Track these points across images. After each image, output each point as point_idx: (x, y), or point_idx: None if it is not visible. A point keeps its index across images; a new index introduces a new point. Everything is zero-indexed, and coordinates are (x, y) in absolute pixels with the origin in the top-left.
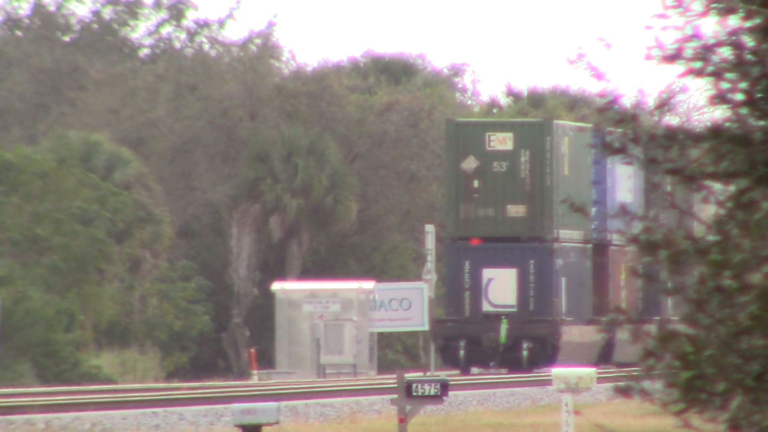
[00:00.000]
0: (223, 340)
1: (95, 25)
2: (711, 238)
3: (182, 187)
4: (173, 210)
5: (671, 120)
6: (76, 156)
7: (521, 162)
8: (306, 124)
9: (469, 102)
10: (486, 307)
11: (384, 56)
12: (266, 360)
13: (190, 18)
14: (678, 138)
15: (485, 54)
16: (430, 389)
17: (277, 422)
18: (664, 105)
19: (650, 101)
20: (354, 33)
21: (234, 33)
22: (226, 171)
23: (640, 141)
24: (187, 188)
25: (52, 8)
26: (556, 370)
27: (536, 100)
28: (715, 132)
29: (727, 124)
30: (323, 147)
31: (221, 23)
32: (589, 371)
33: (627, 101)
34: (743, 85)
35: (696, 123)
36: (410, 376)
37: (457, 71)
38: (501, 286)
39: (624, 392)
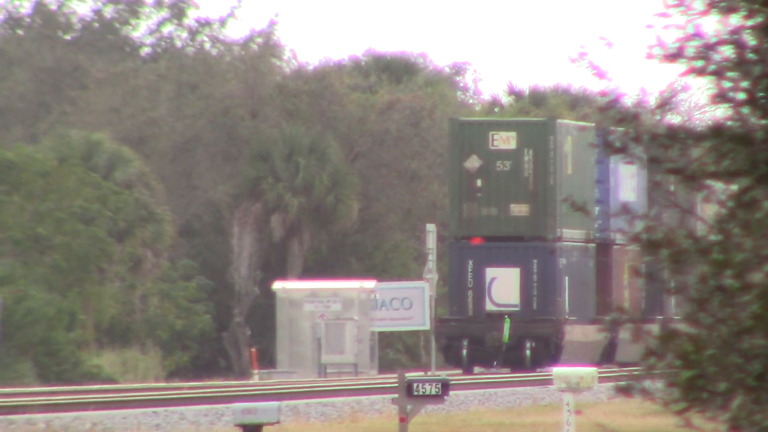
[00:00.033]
0: (224, 339)
1: (96, 24)
2: (712, 237)
3: (183, 186)
4: (174, 209)
5: (673, 119)
6: (77, 155)
7: (524, 161)
8: (307, 123)
9: (471, 101)
10: (489, 307)
11: (385, 55)
12: (267, 359)
13: (191, 17)
14: (679, 137)
15: (487, 53)
16: (431, 389)
17: (278, 422)
18: (666, 104)
19: (652, 100)
20: (355, 32)
21: (235, 32)
22: (227, 170)
23: (642, 140)
24: (188, 187)
25: (53, 7)
26: (557, 370)
27: (538, 99)
28: (717, 131)
29: (729, 123)
30: (324, 146)
31: (222, 22)
32: (590, 371)
33: (628, 100)
34: (745, 84)
35: (697, 122)
36: (411, 375)
37: (458, 70)
38: (504, 286)
39: (625, 391)
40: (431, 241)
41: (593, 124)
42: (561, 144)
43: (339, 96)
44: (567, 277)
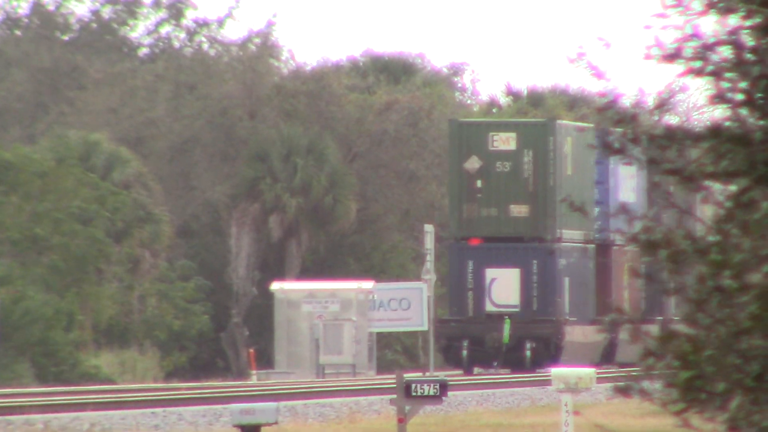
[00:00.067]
0: (222, 340)
1: (94, 25)
2: (711, 238)
3: (181, 187)
4: (172, 209)
5: (671, 119)
6: (75, 155)
7: (524, 162)
8: (305, 124)
9: (469, 101)
10: (489, 307)
11: (383, 55)
12: (265, 360)
13: (189, 17)
14: (678, 138)
15: (485, 53)
16: (430, 389)
17: (276, 422)
18: (664, 104)
19: (650, 101)
20: (353, 32)
21: (233, 32)
22: (225, 170)
23: (640, 141)
24: (186, 188)
25: (51, 7)
26: (556, 370)
27: (536, 99)
28: (715, 131)
29: (727, 123)
30: (322, 146)
31: (220, 23)
32: (589, 371)
33: (627, 101)
34: (743, 84)
35: (696, 122)
36: (409, 376)
37: (456, 70)
38: (504, 286)
39: (623, 392)
40: (429, 242)
41: (592, 125)
42: (561, 145)
43: (337, 96)
44: (567, 278)
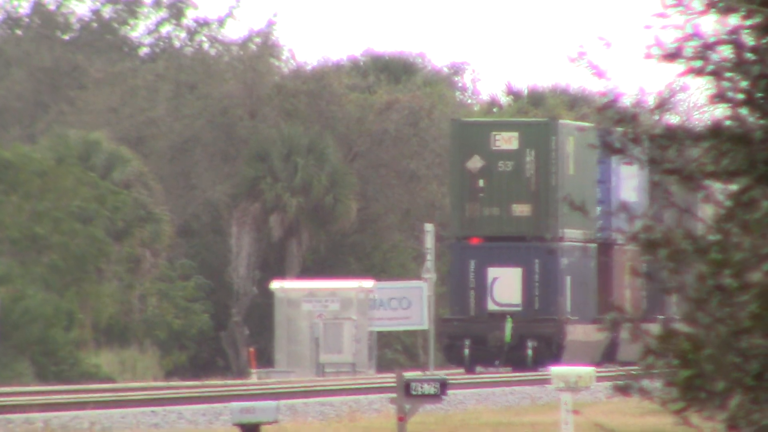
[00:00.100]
0: (223, 339)
1: (95, 24)
2: (711, 237)
3: (182, 186)
4: (173, 209)
5: (671, 119)
6: (75, 155)
7: (526, 161)
8: (306, 123)
9: (469, 101)
10: (491, 306)
11: (384, 55)
12: (265, 359)
13: (189, 17)
14: (678, 137)
15: (485, 53)
16: (429, 388)
17: (276, 421)
18: (664, 104)
19: (650, 100)
20: (354, 32)
21: (234, 32)
22: (225, 170)
23: (641, 141)
24: (186, 187)
25: (51, 7)
26: (556, 369)
27: (536, 99)
28: (715, 131)
29: (727, 123)
30: (323, 146)
31: (221, 22)
32: (588, 370)
33: (627, 100)
34: (743, 83)
35: (696, 122)
36: (409, 375)
37: (457, 70)
38: (506, 286)
39: (623, 391)
40: (430, 241)
41: (594, 125)
42: (563, 144)
43: (337, 96)
44: (569, 277)
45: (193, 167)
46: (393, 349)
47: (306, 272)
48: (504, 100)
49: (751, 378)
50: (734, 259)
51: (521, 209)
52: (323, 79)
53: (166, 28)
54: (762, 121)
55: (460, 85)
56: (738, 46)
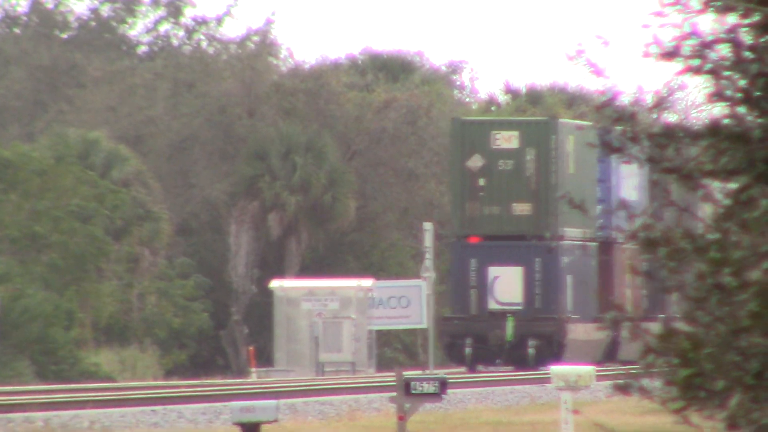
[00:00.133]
0: (222, 337)
1: (93, 23)
2: (710, 235)
3: (180, 185)
4: (171, 207)
5: (670, 117)
6: (74, 153)
7: (527, 160)
8: (304, 122)
9: (468, 99)
10: (492, 305)
11: (382, 53)
12: (265, 358)
13: (188, 15)
14: (676, 135)
15: (483, 51)
16: (429, 387)
17: (275, 420)
18: (663, 102)
19: (649, 98)
20: (352, 30)
21: (232, 30)
22: (224, 168)
23: (639, 139)
24: (185, 185)
25: (50, 5)
26: (555, 368)
27: (535, 97)
28: (714, 129)
29: (726, 121)
30: (321, 144)
31: (219, 20)
32: (588, 369)
33: (626, 98)
34: (741, 82)
35: (694, 120)
36: (409, 373)
37: (455, 68)
38: (507, 284)
39: (623, 390)
40: (428, 240)
41: (592, 123)
42: (563, 143)
43: (336, 94)
44: (569, 276)
45: (191, 166)
46: (392, 348)
47: (305, 271)
48: (502, 98)
49: (751, 377)
50: (733, 258)
51: (521, 208)
52: (321, 78)
53: (164, 27)
54: (760, 120)
55: (458, 83)
56: (736, 44)
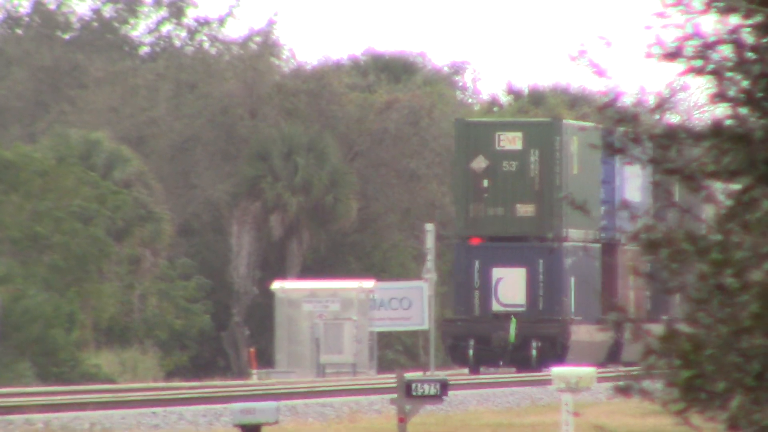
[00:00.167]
0: (223, 339)
1: (95, 23)
2: (712, 237)
3: (182, 186)
4: (173, 208)
5: (672, 118)
6: (75, 154)
7: (530, 161)
8: (306, 122)
9: (470, 100)
10: (495, 307)
11: (384, 54)
12: (266, 359)
13: (190, 16)
14: (678, 136)
15: (485, 52)
16: (430, 389)
17: (276, 422)
18: (665, 103)
19: (651, 99)
20: (354, 31)
21: (234, 31)
22: (226, 169)
23: (641, 140)
24: (187, 186)
25: (52, 6)
26: (556, 370)
27: (537, 98)
28: (716, 130)
29: (728, 122)
30: (323, 145)
31: (221, 21)
32: (589, 371)
33: (628, 99)
34: (744, 83)
35: (696, 121)
36: (410, 375)
37: (457, 69)
38: (510, 286)
39: (624, 391)
40: (430, 241)
41: (595, 124)
42: (567, 144)
43: (338, 95)
44: (573, 277)
45: (193, 166)
46: (394, 350)
47: (306, 271)
48: (504, 99)
49: (752, 378)
50: (735, 259)
51: (525, 209)
52: (323, 79)
53: (166, 28)
54: (762, 121)
55: (460, 84)
56: (738, 45)
